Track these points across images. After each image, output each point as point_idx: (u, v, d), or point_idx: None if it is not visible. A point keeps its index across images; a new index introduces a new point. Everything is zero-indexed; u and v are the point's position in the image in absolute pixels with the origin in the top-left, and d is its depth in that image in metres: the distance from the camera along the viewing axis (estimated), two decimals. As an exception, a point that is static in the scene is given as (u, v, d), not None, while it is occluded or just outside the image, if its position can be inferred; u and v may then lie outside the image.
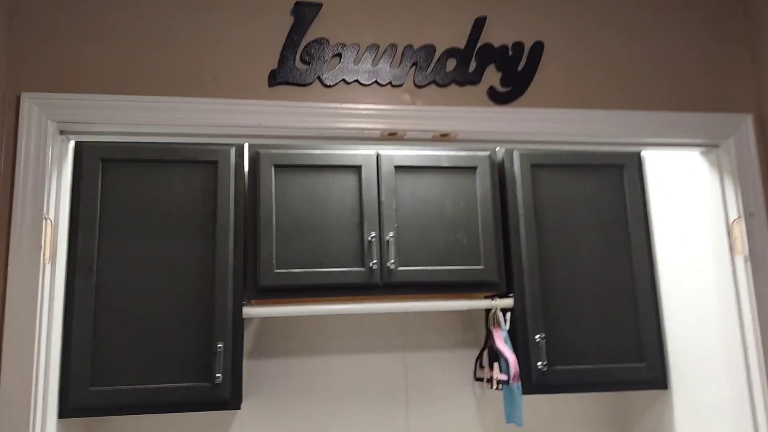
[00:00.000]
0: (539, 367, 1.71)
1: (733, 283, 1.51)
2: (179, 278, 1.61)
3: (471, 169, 1.80)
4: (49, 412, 1.32)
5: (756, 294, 1.46)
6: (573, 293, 1.77)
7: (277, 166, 1.72)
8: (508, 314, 1.78)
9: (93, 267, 1.57)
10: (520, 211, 1.79)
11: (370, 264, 1.69)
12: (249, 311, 1.64)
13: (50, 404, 1.36)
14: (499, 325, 1.78)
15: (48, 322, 1.31)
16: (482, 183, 1.79)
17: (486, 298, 1.82)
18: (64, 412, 1.50)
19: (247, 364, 1.87)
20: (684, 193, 1.72)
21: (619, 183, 1.85)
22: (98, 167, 1.62)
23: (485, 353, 1.88)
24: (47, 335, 1.30)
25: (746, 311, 1.48)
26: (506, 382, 1.72)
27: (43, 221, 1.28)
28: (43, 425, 1.28)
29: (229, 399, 1.57)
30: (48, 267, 1.31)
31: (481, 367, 1.90)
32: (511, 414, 1.72)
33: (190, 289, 1.61)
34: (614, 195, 1.84)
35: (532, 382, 1.71)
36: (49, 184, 1.30)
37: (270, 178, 1.71)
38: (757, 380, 1.44)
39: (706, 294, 1.63)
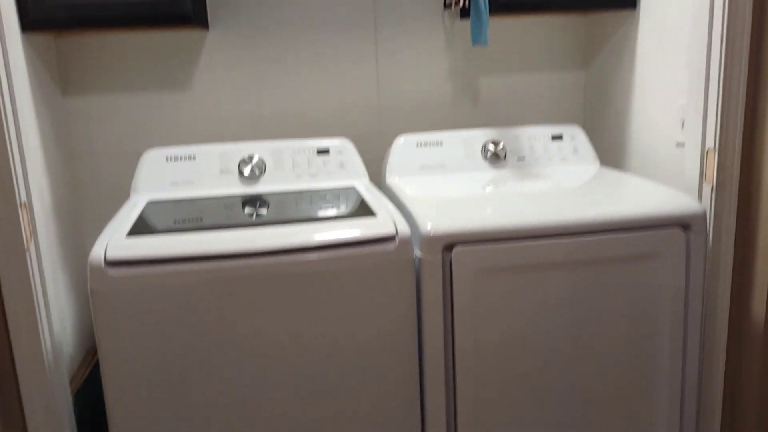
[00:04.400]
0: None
1: None
2: None
3: None
4: (11, 25, 1.31)
5: None
6: None
7: None
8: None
9: None
10: None
11: None
12: None
13: (11, 17, 1.35)
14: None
15: None
16: None
17: None
18: (26, 24, 1.50)
19: (211, -9, 1.84)
20: None
21: None
22: None
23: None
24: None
25: None
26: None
27: None
28: (8, 39, 1.28)
29: (192, 13, 1.56)
30: None
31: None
32: (477, 34, 1.74)
33: None
34: None
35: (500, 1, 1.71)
36: None
37: None
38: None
39: None
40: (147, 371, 1.24)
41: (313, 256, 1.25)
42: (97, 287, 1.19)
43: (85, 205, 1.84)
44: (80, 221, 1.83)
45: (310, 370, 1.30)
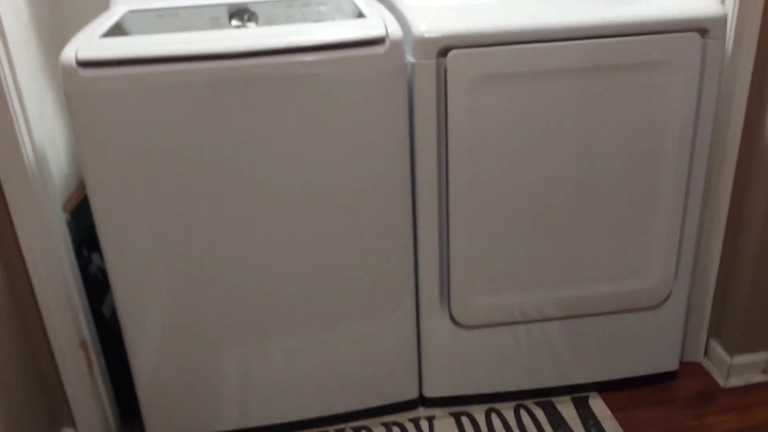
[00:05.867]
0: None
1: None
2: None
3: None
4: None
5: None
6: None
7: None
8: None
9: None
10: None
11: None
12: None
13: None
14: None
15: None
16: None
17: None
18: None
19: None
20: None
21: None
22: None
23: None
24: None
25: None
26: None
27: None
28: None
29: None
30: None
31: None
32: None
33: None
34: None
35: None
36: None
37: None
38: None
39: None
40: (128, 178, 1.22)
41: (296, 58, 1.17)
42: (70, 89, 1.14)
43: (66, 18, 1.75)
44: (62, 35, 1.75)
45: (291, 182, 1.27)
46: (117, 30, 1.27)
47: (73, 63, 1.12)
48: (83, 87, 1.13)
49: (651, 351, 1.57)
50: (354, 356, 1.47)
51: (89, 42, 1.16)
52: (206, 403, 1.47)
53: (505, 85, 1.26)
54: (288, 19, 1.45)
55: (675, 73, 1.29)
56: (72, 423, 1.48)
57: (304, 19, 1.46)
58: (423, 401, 1.58)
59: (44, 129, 1.41)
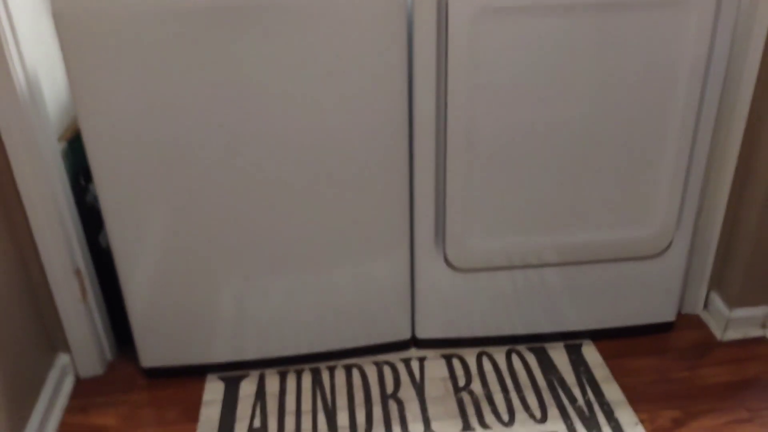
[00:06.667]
0: None
1: None
2: None
3: None
4: None
5: None
6: None
7: None
8: None
9: None
10: None
11: None
12: None
13: None
14: None
15: None
16: None
17: None
18: None
19: None
20: None
21: None
22: None
23: None
24: None
25: None
26: None
27: None
28: None
29: None
30: None
31: None
32: None
33: None
34: None
35: None
36: None
37: None
38: None
39: None
40: (120, 105, 1.20)
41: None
42: (59, 9, 1.11)
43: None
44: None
45: (286, 118, 1.24)
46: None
47: (60, -18, 1.09)
48: (72, 6, 1.10)
49: (649, 301, 1.55)
50: (349, 295, 1.47)
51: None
52: (200, 335, 1.48)
53: (510, 19, 1.21)
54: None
55: (690, 11, 1.23)
56: (67, 348, 1.50)
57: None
58: (415, 342, 1.58)
59: (39, 54, 1.38)
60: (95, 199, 1.55)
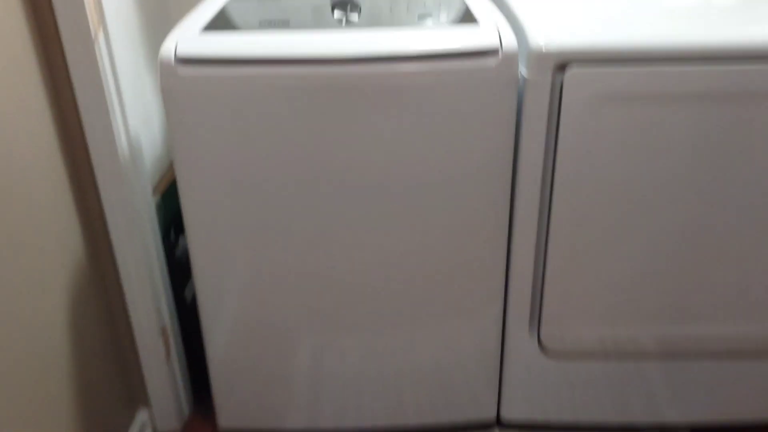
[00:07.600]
0: None
1: None
2: None
3: None
4: None
5: None
6: None
7: None
8: None
9: None
10: None
11: None
12: None
13: None
14: None
15: None
16: None
17: None
18: None
19: None
20: None
21: None
22: None
23: None
24: None
25: None
26: None
27: None
28: None
29: None
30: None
31: None
32: None
33: None
34: None
35: None
36: None
37: None
38: None
39: None
40: (218, 173, 1.18)
41: (401, 67, 1.09)
42: (167, 86, 1.10)
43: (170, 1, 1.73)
44: (167, 18, 1.72)
45: (390, 192, 1.20)
46: (220, 20, 1.22)
47: (172, 60, 1.08)
48: (181, 85, 1.09)
49: (762, 397, 1.43)
50: (433, 364, 1.41)
51: (190, 37, 1.11)
52: (278, 399, 1.45)
53: (627, 106, 1.14)
54: (392, 11, 1.36)
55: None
56: (147, 403, 1.50)
57: (408, 12, 1.36)
58: (499, 423, 1.50)
59: (139, 110, 1.39)
60: (184, 253, 1.55)
